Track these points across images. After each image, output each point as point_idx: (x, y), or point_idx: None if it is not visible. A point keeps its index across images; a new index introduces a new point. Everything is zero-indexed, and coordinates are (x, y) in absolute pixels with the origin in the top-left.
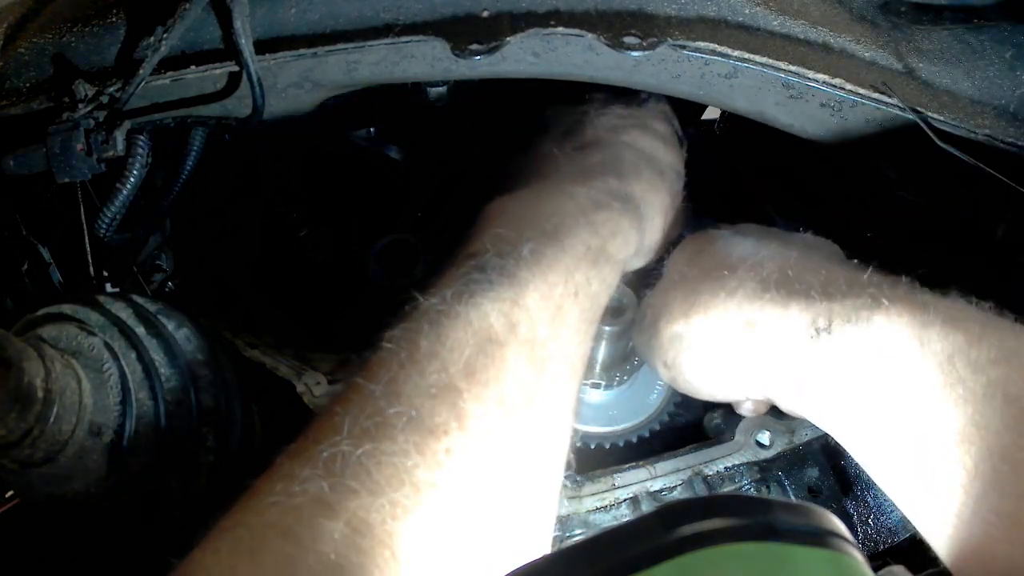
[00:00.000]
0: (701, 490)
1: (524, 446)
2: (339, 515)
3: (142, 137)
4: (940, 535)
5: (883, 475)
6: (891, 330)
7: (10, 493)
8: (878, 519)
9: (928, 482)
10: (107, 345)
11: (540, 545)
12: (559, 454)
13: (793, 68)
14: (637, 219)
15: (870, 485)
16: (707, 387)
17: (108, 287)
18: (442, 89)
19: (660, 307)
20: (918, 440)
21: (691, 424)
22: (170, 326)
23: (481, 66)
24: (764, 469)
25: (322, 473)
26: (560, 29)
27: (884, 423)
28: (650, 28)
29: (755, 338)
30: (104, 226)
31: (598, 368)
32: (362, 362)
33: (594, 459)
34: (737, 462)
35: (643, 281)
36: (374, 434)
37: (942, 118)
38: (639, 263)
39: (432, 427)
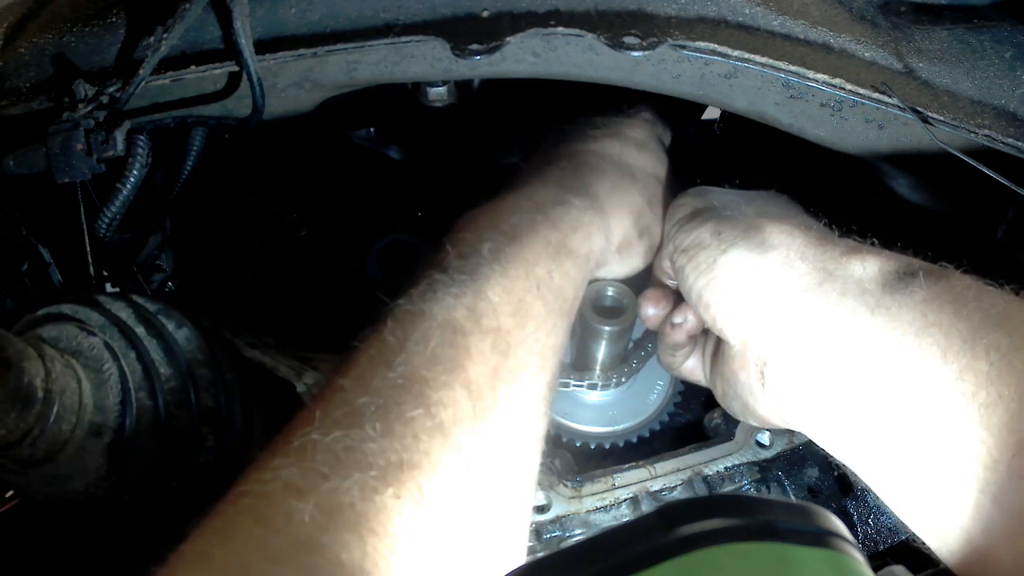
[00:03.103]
0: (701, 490)
1: (493, 430)
2: (308, 498)
3: (142, 137)
4: (943, 534)
5: (879, 469)
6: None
7: (10, 493)
8: (878, 519)
9: (932, 477)
10: (107, 345)
11: (514, 528)
12: (531, 441)
13: (793, 68)
14: (599, 215)
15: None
16: (729, 309)
17: (108, 287)
18: (442, 89)
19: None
20: (924, 425)
21: (691, 424)
22: (170, 326)
23: (481, 66)
24: (764, 469)
25: (293, 461)
26: (560, 29)
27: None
28: (650, 28)
29: (825, 288)
30: (104, 226)
31: (598, 368)
32: (337, 362)
33: (594, 459)
34: (737, 462)
35: (643, 282)
36: (343, 423)
37: (942, 118)
38: (617, 264)
39: (398, 414)
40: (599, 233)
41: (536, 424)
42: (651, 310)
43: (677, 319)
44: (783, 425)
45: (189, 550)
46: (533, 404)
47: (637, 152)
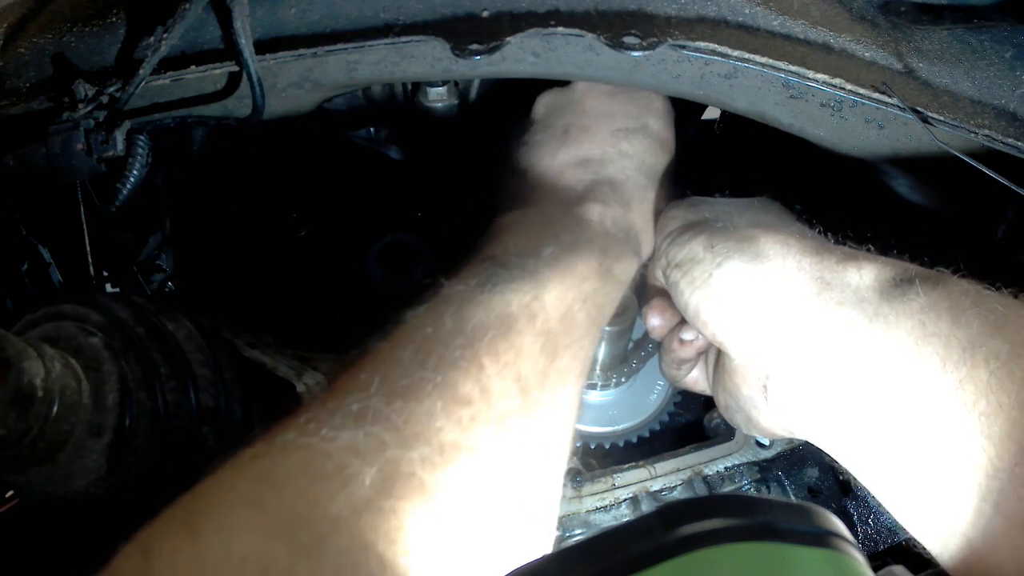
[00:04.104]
0: (701, 490)
1: (537, 428)
2: (371, 462)
3: (142, 137)
4: (944, 540)
5: (882, 476)
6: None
7: (10, 493)
8: (878, 519)
9: (934, 484)
10: (107, 345)
11: (547, 522)
12: (565, 443)
13: (793, 68)
14: (637, 247)
15: None
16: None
17: (108, 287)
18: (442, 89)
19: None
20: (926, 435)
21: (691, 424)
22: (170, 326)
23: (481, 66)
24: (764, 469)
25: (353, 424)
26: (560, 29)
27: (889, 421)
28: (650, 28)
29: (823, 298)
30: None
31: (598, 368)
32: (384, 333)
33: (594, 459)
34: (737, 462)
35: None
36: (403, 394)
37: (942, 118)
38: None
39: (458, 396)
40: (635, 263)
41: (570, 428)
42: (656, 320)
43: (687, 336)
44: (786, 435)
45: (230, 490)
46: (571, 409)
47: (660, 152)
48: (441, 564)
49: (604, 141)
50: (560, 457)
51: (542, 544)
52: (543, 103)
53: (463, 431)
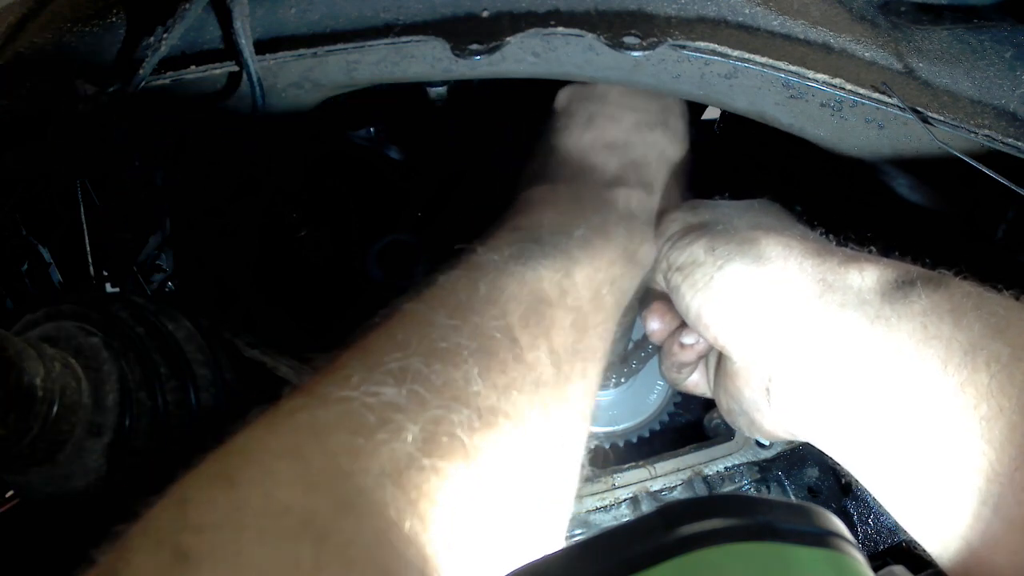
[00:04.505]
0: (701, 490)
1: (570, 398)
2: (414, 420)
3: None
4: (944, 542)
5: (883, 478)
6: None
7: (10, 493)
8: (878, 519)
9: (934, 487)
10: (107, 345)
11: (569, 499)
12: (588, 420)
13: (793, 68)
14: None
15: None
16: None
17: (108, 287)
18: (442, 89)
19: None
20: (927, 438)
21: (691, 424)
22: (170, 326)
23: (481, 66)
24: (764, 469)
25: (393, 381)
26: (560, 29)
27: (891, 424)
28: (650, 28)
29: (825, 300)
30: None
31: None
32: (415, 294)
33: (594, 459)
34: (737, 462)
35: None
36: (441, 357)
37: (942, 118)
38: None
39: (494, 363)
40: (655, 247)
41: (591, 410)
42: (656, 324)
43: (687, 340)
44: (789, 437)
45: (273, 439)
46: (595, 389)
47: (679, 148)
48: (479, 527)
49: (629, 129)
50: (584, 436)
51: (565, 519)
52: (565, 95)
53: (499, 397)
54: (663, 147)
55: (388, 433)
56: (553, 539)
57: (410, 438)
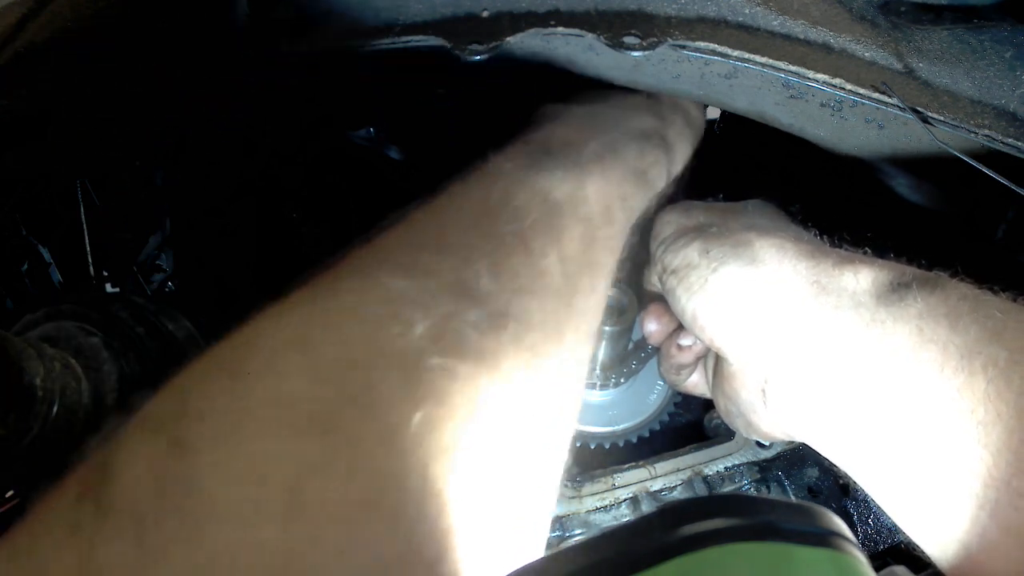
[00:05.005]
0: (701, 490)
1: (578, 310)
2: (426, 314)
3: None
4: (942, 545)
5: (881, 482)
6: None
7: (10, 493)
8: (878, 519)
9: (931, 491)
10: (107, 345)
11: (571, 431)
12: (594, 338)
13: (793, 68)
14: (668, 157)
15: None
16: (720, 322)
17: (108, 287)
18: (442, 89)
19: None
20: (924, 442)
21: (691, 424)
22: (170, 326)
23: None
24: (764, 469)
25: (403, 274)
26: (560, 29)
27: (888, 428)
28: (650, 28)
29: (819, 302)
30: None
31: (598, 368)
32: (425, 202)
33: (594, 459)
34: (737, 462)
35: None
36: (454, 252)
37: (942, 118)
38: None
39: (505, 265)
40: (666, 172)
41: (597, 325)
42: (654, 326)
43: (685, 342)
44: (786, 439)
45: (283, 334)
46: (600, 310)
47: (695, 132)
48: (484, 432)
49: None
50: (588, 355)
51: (568, 438)
52: None
53: (510, 299)
54: (685, 112)
55: (398, 325)
56: (555, 456)
57: (420, 331)
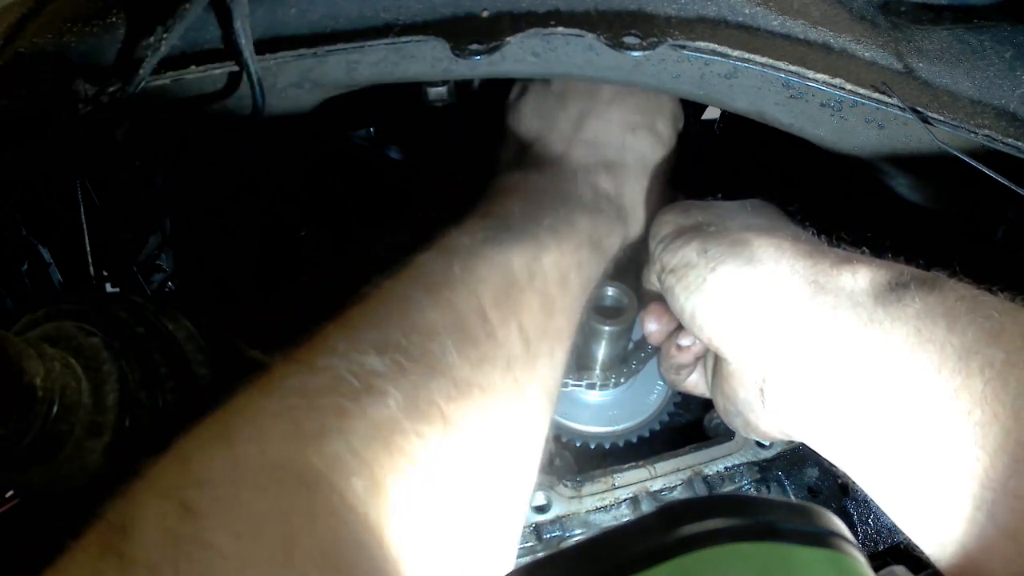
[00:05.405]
0: (701, 490)
1: (540, 375)
2: (397, 387)
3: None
4: (940, 546)
5: (879, 482)
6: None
7: (10, 493)
8: (878, 519)
9: (929, 492)
10: (107, 345)
11: (532, 479)
12: (554, 404)
13: (793, 68)
14: (624, 224)
15: None
16: (718, 323)
17: (108, 287)
18: (442, 89)
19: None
20: (921, 443)
21: (691, 424)
22: (170, 326)
23: (481, 66)
24: (764, 469)
25: (375, 352)
26: (560, 29)
27: (885, 429)
28: (650, 28)
29: (817, 302)
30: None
31: (598, 368)
32: (392, 273)
33: (594, 459)
34: (737, 462)
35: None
36: (418, 330)
37: (942, 118)
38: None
39: (467, 337)
40: (621, 239)
41: (557, 388)
42: (654, 326)
43: (684, 342)
44: (784, 438)
45: (270, 405)
46: (560, 370)
47: (663, 150)
48: (454, 490)
49: (612, 129)
50: (549, 415)
51: (529, 492)
52: (558, 85)
53: (473, 369)
54: (643, 150)
55: (372, 397)
56: (517, 510)
57: (392, 403)
